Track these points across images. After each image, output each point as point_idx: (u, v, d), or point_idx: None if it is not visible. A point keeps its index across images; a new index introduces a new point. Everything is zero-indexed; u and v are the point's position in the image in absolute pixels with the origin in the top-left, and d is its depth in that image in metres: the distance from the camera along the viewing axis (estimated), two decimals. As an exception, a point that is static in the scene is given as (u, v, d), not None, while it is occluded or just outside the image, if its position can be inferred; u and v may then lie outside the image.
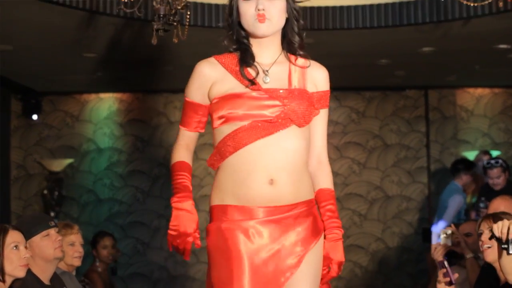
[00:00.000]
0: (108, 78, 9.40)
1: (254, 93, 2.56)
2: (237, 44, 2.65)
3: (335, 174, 10.21)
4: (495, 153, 8.94)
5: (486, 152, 8.27)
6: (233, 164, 2.57)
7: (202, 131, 2.78)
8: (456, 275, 3.66)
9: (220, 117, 2.60)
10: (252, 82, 2.57)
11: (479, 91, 10.28)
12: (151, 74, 9.00)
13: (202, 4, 6.33)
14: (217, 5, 6.38)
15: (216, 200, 2.64)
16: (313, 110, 2.63)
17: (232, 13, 2.65)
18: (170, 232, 2.54)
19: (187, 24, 5.02)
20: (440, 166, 10.15)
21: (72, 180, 10.11)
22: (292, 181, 2.56)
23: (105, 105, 10.23)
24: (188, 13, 4.98)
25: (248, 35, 2.64)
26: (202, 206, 10.18)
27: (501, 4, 4.95)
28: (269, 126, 2.54)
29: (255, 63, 2.61)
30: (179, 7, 4.74)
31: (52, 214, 9.49)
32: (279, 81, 2.61)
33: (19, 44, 7.32)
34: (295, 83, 2.62)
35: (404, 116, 10.12)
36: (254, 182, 2.53)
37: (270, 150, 2.54)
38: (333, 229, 2.67)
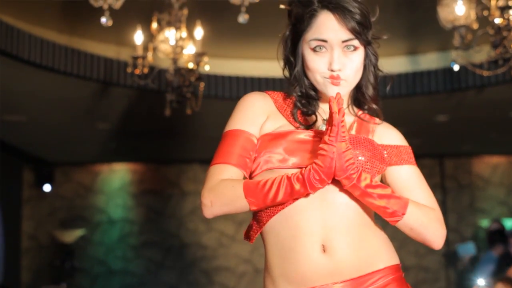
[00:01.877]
0: (121, 149, 9.40)
1: (302, 135, 1.87)
2: (302, 97, 1.98)
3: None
4: (510, 221, 8.82)
5: (497, 221, 8.13)
6: (275, 235, 1.87)
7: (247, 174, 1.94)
8: None
9: (258, 164, 1.91)
10: (307, 127, 1.91)
11: (495, 159, 10.21)
12: (164, 144, 9.00)
13: (215, 76, 6.35)
14: (230, 77, 6.40)
15: (268, 285, 1.91)
16: (378, 165, 1.90)
17: (297, 62, 1.96)
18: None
19: (201, 95, 5.01)
20: (457, 235, 9.99)
21: (84, 251, 10.02)
22: (349, 245, 1.83)
23: (118, 175, 10.22)
24: (202, 84, 4.98)
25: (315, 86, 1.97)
26: (216, 278, 10.06)
27: (514, 73, 4.93)
28: None
29: (317, 112, 1.97)
30: (192, 79, 4.74)
31: (64, 285, 9.39)
32: None
33: (33, 115, 7.35)
34: (359, 131, 1.97)
35: (420, 185, 10.04)
36: (302, 254, 1.81)
37: (319, 206, 1.83)
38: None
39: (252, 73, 6.41)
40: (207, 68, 4.83)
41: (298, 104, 1.97)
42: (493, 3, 4.15)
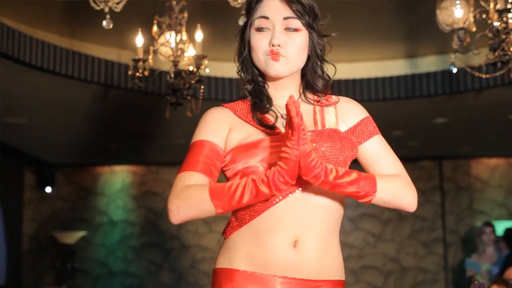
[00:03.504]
0: (121, 151, 9.42)
1: (274, 140, 1.92)
2: (252, 84, 2.06)
3: (349, 246, 10.17)
4: (503, 223, 8.85)
5: (489, 224, 8.14)
6: (252, 226, 1.91)
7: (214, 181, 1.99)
8: None
9: (236, 174, 1.93)
10: (271, 127, 1.96)
11: (493, 161, 10.23)
12: (164, 147, 9.02)
13: (216, 78, 6.38)
14: (230, 79, 6.43)
15: (222, 262, 1.99)
16: (349, 154, 1.96)
17: (244, 47, 2.06)
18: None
19: (201, 97, 5.04)
20: (456, 237, 10.01)
21: (85, 252, 10.05)
22: (319, 248, 1.91)
23: (119, 177, 10.24)
24: (202, 87, 5.00)
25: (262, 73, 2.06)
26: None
27: (512, 75, 4.96)
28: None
29: (273, 108, 2.03)
30: (192, 81, 4.76)
31: (65, 287, 9.41)
32: None
33: (34, 117, 7.38)
34: (324, 123, 2.01)
35: (419, 187, 10.00)
36: (274, 243, 1.87)
37: (297, 206, 1.89)
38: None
39: (252, 75, 6.43)
40: (207, 70, 4.85)
41: (253, 103, 2.03)
42: (491, 6, 4.18)
